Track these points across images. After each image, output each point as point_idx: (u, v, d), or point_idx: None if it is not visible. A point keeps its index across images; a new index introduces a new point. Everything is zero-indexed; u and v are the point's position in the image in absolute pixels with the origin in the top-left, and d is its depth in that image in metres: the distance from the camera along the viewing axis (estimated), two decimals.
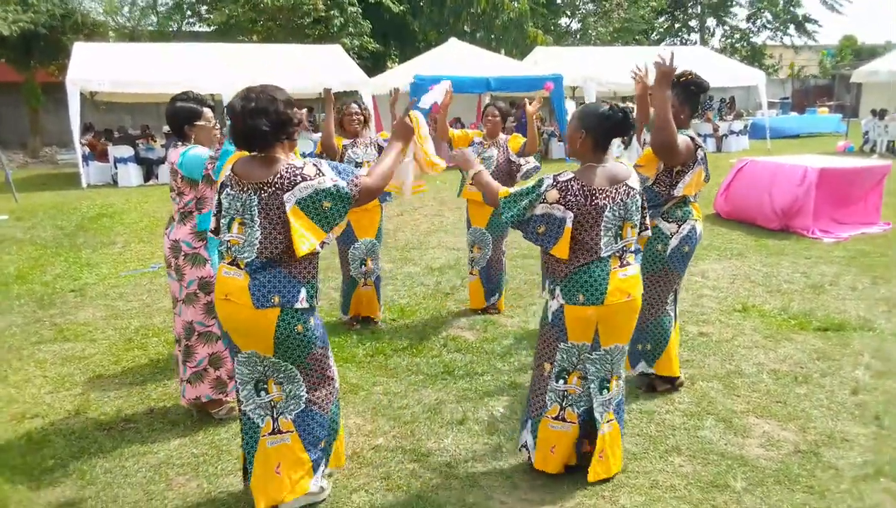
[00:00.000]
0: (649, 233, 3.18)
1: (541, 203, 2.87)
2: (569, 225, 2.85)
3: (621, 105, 2.98)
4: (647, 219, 3.14)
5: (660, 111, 3.45)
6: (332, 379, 2.93)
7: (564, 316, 2.95)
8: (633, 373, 4.05)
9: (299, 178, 2.61)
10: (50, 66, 19.65)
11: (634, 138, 4.48)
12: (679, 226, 3.77)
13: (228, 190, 2.72)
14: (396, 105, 5.04)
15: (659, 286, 3.87)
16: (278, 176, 2.61)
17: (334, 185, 2.64)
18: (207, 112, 3.67)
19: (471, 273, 5.58)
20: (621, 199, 2.89)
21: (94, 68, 14.06)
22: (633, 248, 3.04)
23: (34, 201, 11.78)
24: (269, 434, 2.85)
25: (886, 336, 4.90)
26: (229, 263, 2.74)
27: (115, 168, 14.59)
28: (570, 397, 3.06)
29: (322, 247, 2.72)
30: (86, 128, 15.53)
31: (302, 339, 2.74)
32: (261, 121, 2.59)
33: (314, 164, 2.66)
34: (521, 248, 7.42)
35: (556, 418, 3.08)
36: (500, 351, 4.77)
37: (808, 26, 33.27)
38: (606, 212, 2.86)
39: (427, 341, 4.98)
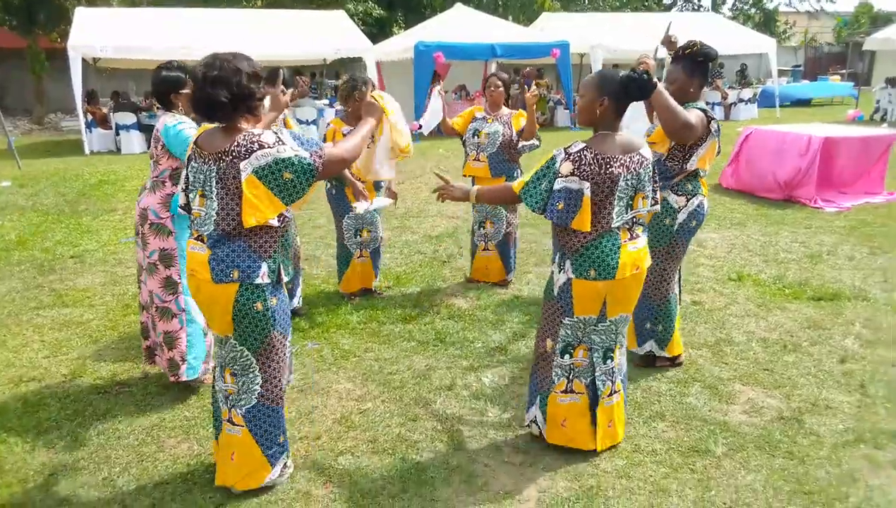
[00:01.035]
0: (658, 208, 3.10)
1: (557, 178, 2.81)
2: (587, 194, 2.78)
3: (638, 70, 2.89)
4: (658, 193, 3.06)
5: (659, 107, 3.42)
6: (284, 370, 2.87)
7: (572, 290, 2.91)
8: (639, 351, 3.98)
9: (256, 146, 2.50)
10: (53, 31, 19.53)
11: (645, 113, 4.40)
12: (688, 201, 3.72)
13: (193, 162, 2.67)
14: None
15: (666, 261, 3.80)
16: (235, 144, 2.52)
17: (296, 155, 2.53)
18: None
19: (485, 248, 5.47)
20: (635, 169, 2.84)
21: (96, 34, 13.96)
22: (640, 220, 3.00)
23: (37, 168, 11.81)
24: (227, 420, 2.85)
25: (880, 305, 4.90)
26: (195, 238, 2.69)
27: (118, 135, 14.59)
28: (576, 370, 3.04)
29: (280, 222, 2.62)
30: (89, 95, 15.48)
31: (261, 319, 2.66)
32: (220, 91, 2.49)
33: (275, 132, 2.56)
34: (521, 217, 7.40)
35: (564, 391, 3.06)
36: (493, 318, 4.80)
37: None
38: (620, 182, 2.81)
39: (421, 308, 5.02)
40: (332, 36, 15.67)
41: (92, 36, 13.85)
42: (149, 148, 3.80)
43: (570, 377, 3.04)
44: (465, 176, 5.47)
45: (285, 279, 2.77)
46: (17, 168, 11.62)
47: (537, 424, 3.18)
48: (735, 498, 2.82)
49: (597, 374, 3.03)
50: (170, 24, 14.88)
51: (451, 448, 3.22)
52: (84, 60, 14.13)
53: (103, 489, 2.98)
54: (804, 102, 22.66)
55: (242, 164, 2.51)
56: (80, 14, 14.71)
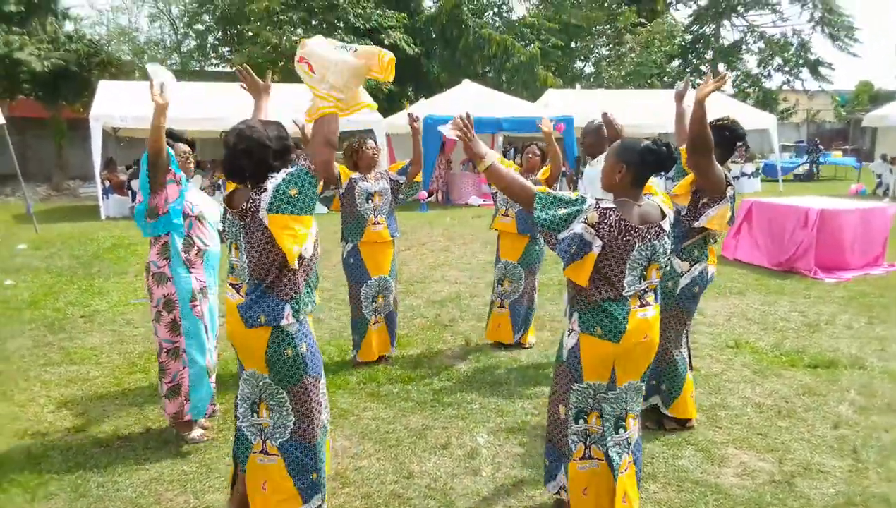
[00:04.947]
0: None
1: (582, 221, 2.73)
2: (595, 251, 2.73)
3: (662, 140, 2.87)
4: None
5: (696, 115, 3.54)
6: (320, 411, 2.98)
7: (580, 352, 2.86)
8: (644, 405, 4.01)
9: (262, 191, 2.71)
10: (76, 103, 20.33)
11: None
12: (691, 266, 3.82)
13: (227, 216, 2.91)
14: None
15: (668, 322, 3.85)
16: (251, 201, 2.73)
17: (287, 173, 2.71)
18: (180, 147, 3.94)
19: (501, 306, 5.57)
20: (650, 240, 2.80)
21: (117, 105, 14.54)
22: (652, 290, 2.96)
23: (53, 232, 12.11)
24: (260, 451, 2.96)
25: (876, 373, 4.94)
26: (231, 284, 2.91)
27: (133, 201, 14.98)
28: (592, 436, 2.94)
29: (299, 264, 2.76)
30: (107, 163, 15.99)
31: (292, 364, 2.84)
32: (247, 161, 2.75)
33: (272, 176, 2.77)
34: None
35: (582, 458, 2.95)
36: (491, 380, 4.87)
37: (822, 70, 33.49)
38: (634, 252, 2.76)
39: (420, 370, 5.09)
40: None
41: (113, 107, 14.42)
42: None
43: (587, 443, 2.95)
44: (492, 229, 5.64)
45: (304, 316, 2.87)
46: (35, 231, 11.92)
47: (565, 491, 3.08)
48: None
49: (609, 445, 2.92)
50: (188, 96, 15.45)
51: (444, 505, 3.26)
52: (104, 130, 14.66)
53: None
54: (807, 177, 23.03)
55: (260, 214, 2.71)
56: (104, 86, 15.36)
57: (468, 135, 2.91)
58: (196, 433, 3.95)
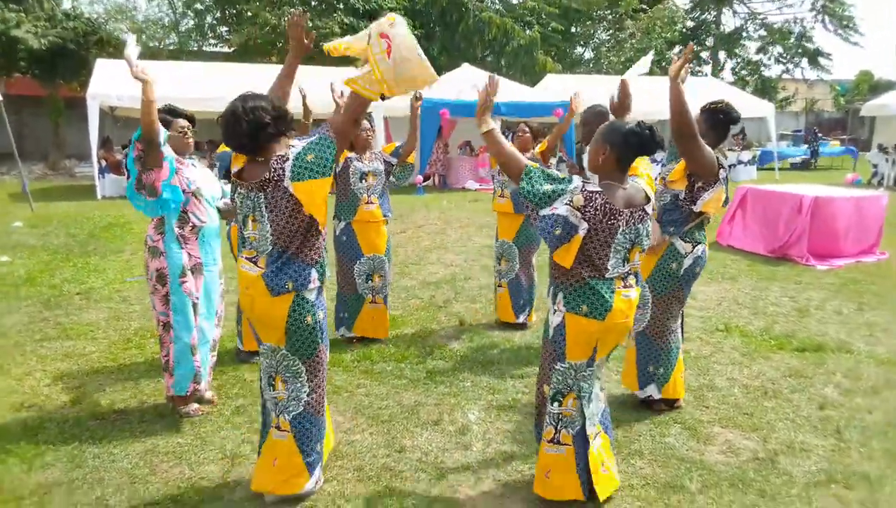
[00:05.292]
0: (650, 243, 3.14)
1: (566, 203, 2.78)
2: (580, 234, 2.77)
3: (647, 123, 2.90)
4: (665, 236, 3.13)
5: (672, 98, 3.52)
6: (323, 380, 3.13)
7: (566, 330, 2.91)
8: (640, 395, 4.07)
9: (283, 160, 2.80)
10: (73, 81, 20.22)
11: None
12: (694, 247, 3.86)
13: (239, 190, 2.95)
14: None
15: (671, 304, 3.91)
16: (272, 171, 2.81)
17: (308, 142, 2.81)
18: (179, 122, 3.94)
19: (499, 285, 5.71)
20: (635, 224, 2.85)
21: (114, 84, 14.45)
22: (634, 271, 3.01)
23: (49, 211, 12.12)
24: (276, 427, 3.07)
25: (862, 357, 5.01)
26: (247, 258, 2.97)
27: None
28: (564, 419, 3.01)
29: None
30: (104, 142, 15.95)
31: (310, 332, 2.95)
32: (253, 128, 2.80)
33: (289, 144, 2.88)
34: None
35: (551, 441, 3.03)
36: (483, 360, 4.93)
37: (822, 60, 33.42)
38: (619, 235, 2.82)
39: (414, 349, 5.15)
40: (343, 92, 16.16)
41: (110, 86, 14.35)
42: None
43: (558, 427, 3.02)
44: (493, 211, 5.74)
45: (326, 280, 3.03)
46: (31, 210, 11.93)
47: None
48: None
49: (587, 418, 3.01)
50: (186, 76, 15.42)
51: (435, 478, 3.32)
52: (101, 109, 14.61)
53: (96, 507, 3.09)
54: (804, 166, 23.06)
55: (286, 183, 2.79)
56: (101, 65, 15.29)
57: (490, 94, 3.01)
58: (191, 407, 4.00)
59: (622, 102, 3.82)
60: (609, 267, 2.85)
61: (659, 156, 4.25)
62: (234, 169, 2.99)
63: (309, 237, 2.89)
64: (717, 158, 3.77)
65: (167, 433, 3.78)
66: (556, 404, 3.01)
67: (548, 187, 2.80)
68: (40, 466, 3.43)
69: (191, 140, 4.00)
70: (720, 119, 3.89)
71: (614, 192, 2.84)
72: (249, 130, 2.82)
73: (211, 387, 4.25)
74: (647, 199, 2.94)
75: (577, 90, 5.45)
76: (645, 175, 3.08)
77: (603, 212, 2.77)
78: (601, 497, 3.02)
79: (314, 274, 2.93)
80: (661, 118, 15.73)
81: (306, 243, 2.89)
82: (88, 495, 3.17)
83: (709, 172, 3.74)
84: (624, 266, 2.89)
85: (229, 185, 4.11)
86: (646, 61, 4.28)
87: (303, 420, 3.05)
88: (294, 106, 3.29)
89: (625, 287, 2.93)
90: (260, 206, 2.86)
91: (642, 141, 2.84)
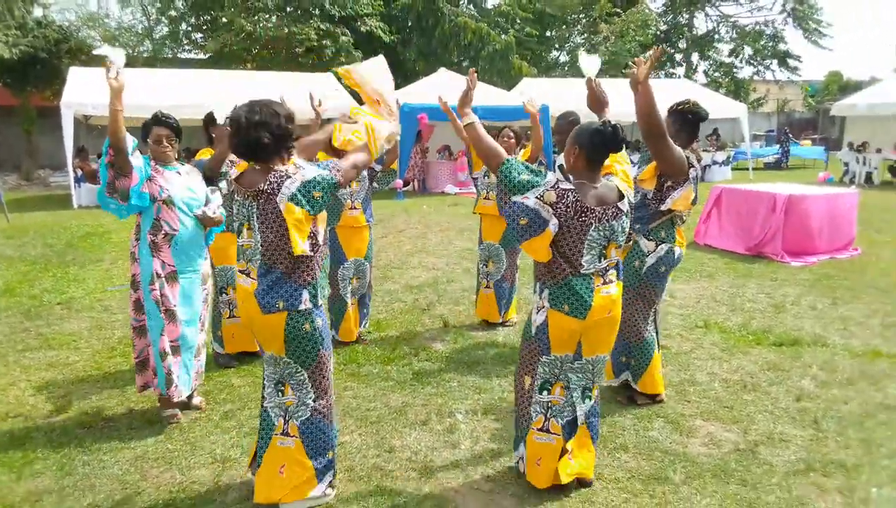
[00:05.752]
0: (628, 244, 3.26)
1: (537, 197, 2.88)
2: (551, 229, 2.87)
3: (612, 121, 3.02)
4: (630, 234, 3.21)
5: (641, 99, 3.55)
6: (330, 385, 3.13)
7: (548, 328, 3.02)
8: (615, 382, 4.23)
9: (284, 178, 2.81)
10: (46, 90, 19.98)
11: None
12: (657, 246, 3.94)
13: (237, 196, 2.97)
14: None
15: (636, 301, 4.01)
16: (268, 183, 2.82)
17: (319, 175, 2.86)
18: (155, 130, 3.93)
19: (486, 286, 5.78)
20: (608, 221, 2.94)
21: (88, 92, 14.31)
22: (613, 267, 3.09)
23: (25, 221, 11.97)
24: (281, 433, 3.07)
25: (838, 350, 5.15)
26: (240, 270, 2.99)
27: None
28: (553, 408, 3.12)
29: (313, 251, 2.89)
30: (79, 151, 15.79)
31: (310, 339, 2.94)
32: (263, 134, 2.81)
33: (294, 163, 2.90)
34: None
35: (540, 429, 3.13)
36: (468, 360, 4.99)
37: (791, 62, 33.99)
38: (591, 232, 2.90)
39: (399, 351, 5.20)
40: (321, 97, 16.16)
41: (84, 94, 14.20)
42: None
43: (548, 415, 3.12)
44: (475, 213, 5.79)
45: (321, 301, 3.02)
46: (6, 221, 11.77)
47: (522, 461, 3.26)
48: None
49: (578, 414, 3.11)
50: (161, 83, 15.32)
51: (424, 476, 3.38)
52: (76, 118, 14.46)
53: None
54: (777, 165, 23.46)
55: (278, 198, 2.80)
56: (74, 73, 15.13)
57: (470, 87, 3.26)
58: (168, 412, 4.00)
59: (596, 100, 3.91)
60: (584, 263, 2.95)
61: (635, 158, 4.35)
62: (235, 173, 3.02)
63: (301, 257, 2.87)
64: (688, 158, 3.86)
65: (156, 439, 3.79)
66: (544, 393, 3.11)
67: (524, 177, 2.93)
68: (30, 474, 3.43)
69: (167, 149, 3.95)
70: (689, 118, 3.99)
71: (586, 191, 2.95)
72: (248, 143, 2.84)
73: (199, 393, 4.26)
74: (621, 196, 3.03)
75: (530, 96, 5.51)
76: (620, 172, 3.16)
77: (574, 210, 2.89)
78: (563, 481, 3.10)
79: (306, 295, 2.91)
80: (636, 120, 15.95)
81: (298, 264, 2.88)
82: (80, 501, 3.18)
83: (678, 171, 3.82)
84: (601, 261, 2.99)
85: (216, 193, 4.14)
86: (588, 58, 4.25)
87: (310, 425, 3.05)
88: (300, 108, 3.38)
89: (604, 283, 3.03)
90: (253, 216, 2.88)
91: (605, 139, 2.97)
